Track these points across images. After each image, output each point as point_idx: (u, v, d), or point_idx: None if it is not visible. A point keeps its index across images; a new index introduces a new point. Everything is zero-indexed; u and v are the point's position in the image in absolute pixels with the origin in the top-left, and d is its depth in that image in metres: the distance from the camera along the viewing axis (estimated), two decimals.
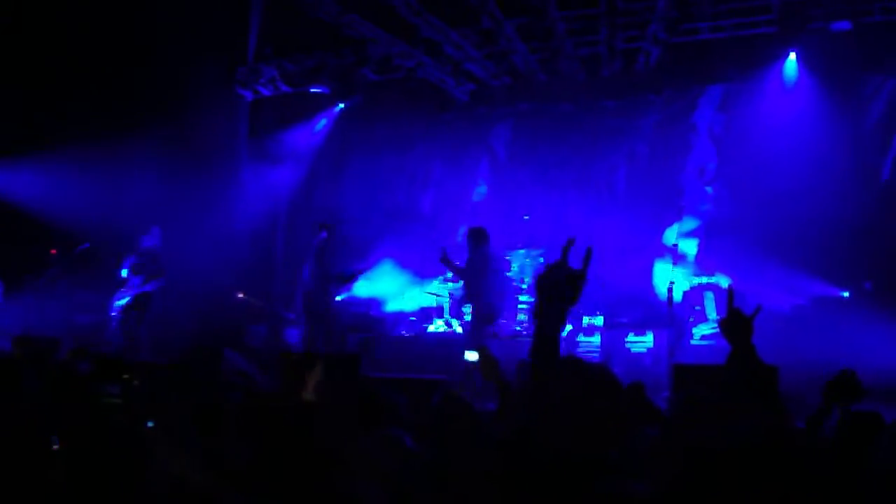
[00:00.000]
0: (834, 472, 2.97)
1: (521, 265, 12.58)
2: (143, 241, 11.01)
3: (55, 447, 2.93)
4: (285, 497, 2.70)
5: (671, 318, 10.59)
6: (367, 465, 3.32)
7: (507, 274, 12.22)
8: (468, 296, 10.12)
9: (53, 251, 12.08)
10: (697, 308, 11.87)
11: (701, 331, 11.56)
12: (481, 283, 9.92)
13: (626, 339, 11.53)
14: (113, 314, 10.87)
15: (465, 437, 3.88)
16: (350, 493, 2.99)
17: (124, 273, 10.99)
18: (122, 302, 10.86)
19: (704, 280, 12.06)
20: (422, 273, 13.38)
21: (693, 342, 11.27)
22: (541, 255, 12.68)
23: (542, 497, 2.71)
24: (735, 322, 3.28)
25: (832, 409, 3.85)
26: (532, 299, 11.87)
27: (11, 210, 12.66)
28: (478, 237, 10.10)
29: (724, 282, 12.00)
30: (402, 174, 14.53)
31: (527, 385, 3.69)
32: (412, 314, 13.05)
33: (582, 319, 12.12)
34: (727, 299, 3.36)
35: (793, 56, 12.12)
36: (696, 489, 2.15)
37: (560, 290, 3.11)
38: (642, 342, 11.41)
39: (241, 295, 12.70)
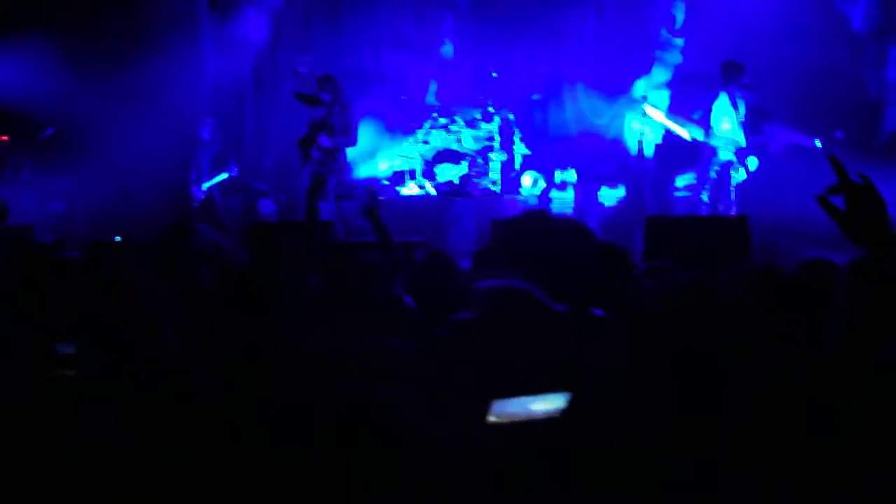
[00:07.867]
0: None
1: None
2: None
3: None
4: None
5: (643, 170, 10.61)
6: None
7: (479, 133, 12.14)
8: None
9: (5, 137, 11.85)
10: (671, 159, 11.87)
11: (676, 182, 11.60)
12: None
13: (599, 193, 11.58)
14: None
15: (450, 290, 3.97)
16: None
17: None
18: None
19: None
20: (392, 136, 13.26)
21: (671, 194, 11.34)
22: (510, 112, 12.57)
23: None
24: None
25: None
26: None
27: None
28: None
29: (697, 133, 11.98)
30: (367, 37, 14.20)
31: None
32: (385, 178, 12.97)
33: (554, 175, 12.11)
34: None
35: None
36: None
37: None
38: (615, 196, 11.45)
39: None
